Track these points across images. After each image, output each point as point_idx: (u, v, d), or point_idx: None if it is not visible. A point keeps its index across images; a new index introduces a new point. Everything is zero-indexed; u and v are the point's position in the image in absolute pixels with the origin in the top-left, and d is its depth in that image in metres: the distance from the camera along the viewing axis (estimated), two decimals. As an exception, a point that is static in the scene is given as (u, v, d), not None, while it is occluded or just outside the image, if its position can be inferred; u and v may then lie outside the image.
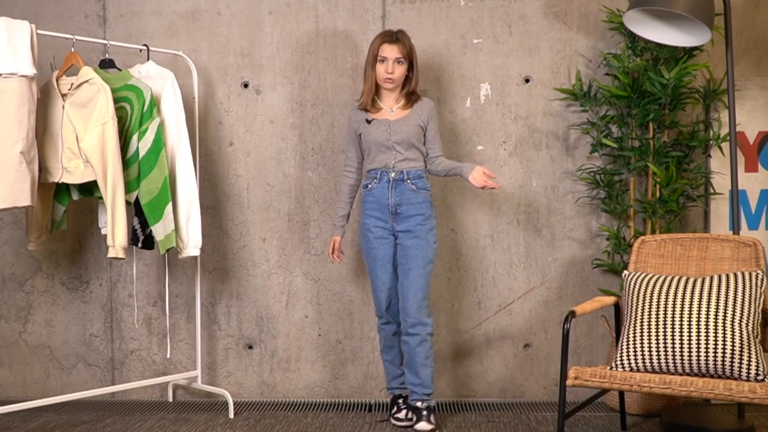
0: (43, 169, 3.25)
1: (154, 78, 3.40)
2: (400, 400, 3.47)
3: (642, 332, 2.83)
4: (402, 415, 3.41)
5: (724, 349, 2.70)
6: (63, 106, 3.22)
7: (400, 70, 3.31)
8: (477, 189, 3.68)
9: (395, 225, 3.33)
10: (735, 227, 3.30)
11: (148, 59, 3.47)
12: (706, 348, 2.71)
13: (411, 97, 3.38)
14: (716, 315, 2.75)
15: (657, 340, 2.79)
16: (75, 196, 3.43)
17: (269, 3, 3.80)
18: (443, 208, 3.75)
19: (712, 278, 2.86)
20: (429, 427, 3.26)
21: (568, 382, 2.74)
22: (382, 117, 3.36)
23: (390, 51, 3.30)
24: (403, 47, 3.30)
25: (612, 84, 3.63)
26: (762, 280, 2.82)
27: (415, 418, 3.32)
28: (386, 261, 3.36)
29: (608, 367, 2.86)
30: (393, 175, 3.31)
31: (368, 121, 3.36)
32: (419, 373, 3.30)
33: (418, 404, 3.32)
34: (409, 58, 3.33)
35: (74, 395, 3.38)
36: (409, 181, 3.31)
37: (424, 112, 3.35)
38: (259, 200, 3.83)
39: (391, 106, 3.38)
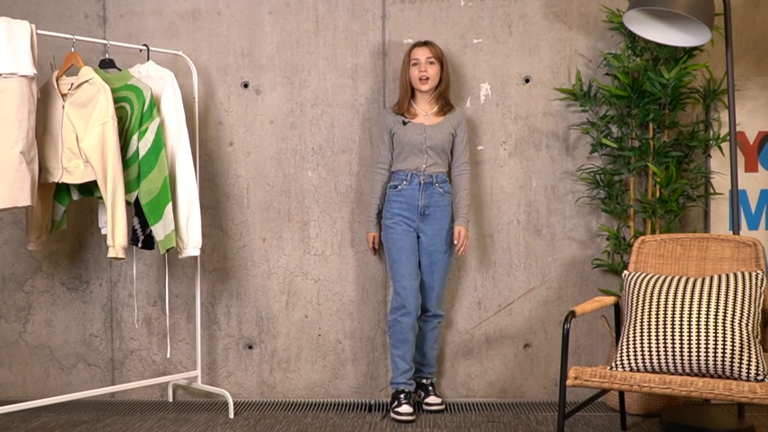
0: (43, 169, 3.25)
1: (154, 78, 3.40)
2: (402, 395, 3.50)
3: (642, 332, 2.83)
4: (402, 409, 3.44)
5: (724, 349, 2.70)
6: (63, 106, 3.22)
7: (433, 70, 3.50)
8: (477, 189, 3.76)
9: (421, 224, 3.52)
10: (735, 227, 3.30)
11: (148, 59, 3.47)
12: (706, 348, 2.71)
13: (445, 105, 3.56)
14: (716, 315, 2.75)
15: (657, 340, 2.79)
16: (75, 196, 3.43)
17: (269, 3, 3.80)
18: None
19: (712, 278, 2.86)
20: (438, 400, 3.62)
21: (568, 382, 2.74)
22: (418, 121, 3.53)
23: (421, 53, 3.50)
24: (434, 48, 3.52)
25: (612, 84, 3.63)
26: (762, 280, 2.82)
27: (423, 394, 3.65)
28: (411, 253, 3.51)
29: (608, 367, 2.86)
30: (423, 178, 3.49)
31: (404, 123, 3.52)
32: (427, 354, 3.65)
33: (425, 381, 3.67)
34: (440, 59, 3.52)
35: (74, 395, 3.38)
36: (437, 185, 3.51)
37: (455, 120, 3.56)
38: (259, 200, 3.83)
39: (426, 111, 3.55)
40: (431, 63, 3.49)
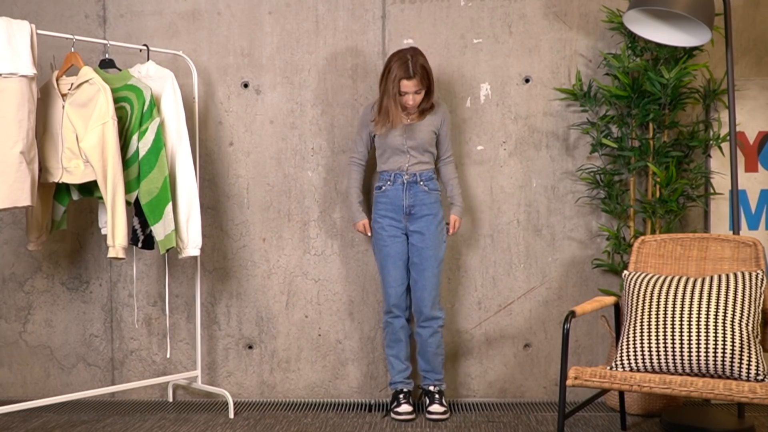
0: (43, 169, 3.25)
1: (154, 78, 3.40)
2: (401, 395, 3.51)
3: (642, 332, 2.83)
4: (402, 409, 3.46)
5: (724, 349, 2.70)
6: (63, 106, 3.22)
7: (420, 97, 3.40)
8: (477, 189, 3.77)
9: (408, 225, 3.48)
10: (735, 227, 3.30)
11: (148, 59, 3.47)
12: (706, 348, 2.71)
13: (428, 107, 3.47)
14: (716, 315, 2.75)
15: (657, 340, 2.79)
16: (75, 196, 3.43)
17: (269, 3, 3.80)
18: (444, 208, 3.75)
19: (712, 278, 2.86)
20: (441, 409, 3.46)
21: (568, 382, 2.74)
22: (398, 121, 3.44)
23: (410, 86, 3.34)
24: (421, 79, 3.34)
25: (612, 84, 3.63)
26: (762, 280, 2.82)
27: (427, 401, 3.52)
28: (398, 258, 3.48)
29: (608, 367, 2.86)
30: (407, 177, 3.46)
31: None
32: (431, 361, 3.52)
33: (431, 388, 3.54)
34: (427, 83, 3.38)
35: (74, 395, 3.38)
36: (422, 183, 3.46)
37: (437, 117, 3.50)
38: (259, 200, 3.83)
39: (408, 114, 3.47)
40: (419, 93, 3.36)
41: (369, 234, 3.56)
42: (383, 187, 3.49)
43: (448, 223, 3.56)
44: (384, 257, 3.49)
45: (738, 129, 3.67)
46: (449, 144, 3.57)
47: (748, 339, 2.71)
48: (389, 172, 3.48)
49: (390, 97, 3.36)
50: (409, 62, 3.32)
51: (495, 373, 3.81)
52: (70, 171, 3.22)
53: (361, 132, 3.55)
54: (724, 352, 2.69)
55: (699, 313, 2.77)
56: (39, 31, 3.13)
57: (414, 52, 3.37)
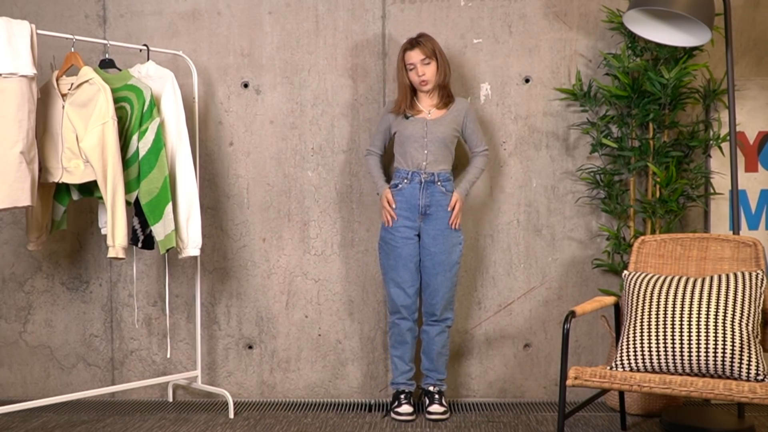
0: (43, 169, 3.25)
1: (154, 78, 3.40)
2: (402, 396, 3.51)
3: (642, 332, 2.83)
4: (402, 409, 3.46)
5: (724, 349, 2.70)
6: (63, 106, 3.22)
7: (430, 70, 3.42)
8: (477, 189, 3.77)
9: (422, 225, 3.45)
10: (735, 227, 3.30)
11: (148, 59, 3.47)
12: (706, 348, 2.72)
13: (446, 96, 3.49)
14: (716, 315, 2.75)
15: (657, 340, 2.79)
16: (75, 196, 3.43)
17: (269, 3, 3.80)
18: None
19: (712, 278, 2.86)
20: (441, 409, 3.46)
21: (568, 382, 2.74)
22: (421, 116, 3.46)
23: (414, 56, 3.41)
24: (424, 47, 3.41)
25: (612, 84, 3.63)
26: (762, 280, 2.82)
27: (427, 401, 3.51)
28: (409, 260, 3.45)
29: (608, 367, 2.86)
30: (424, 176, 3.43)
31: (407, 117, 3.47)
32: (435, 360, 3.52)
33: (431, 388, 3.53)
34: (434, 55, 3.42)
35: (74, 395, 3.38)
36: (439, 183, 3.44)
37: (460, 113, 3.49)
38: (259, 200, 3.83)
39: (428, 107, 3.49)
40: (427, 64, 3.40)
41: (393, 206, 3.44)
42: (399, 185, 3.46)
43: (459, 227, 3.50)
44: (395, 258, 3.45)
45: (738, 129, 3.67)
46: (480, 137, 3.53)
47: (748, 339, 2.71)
48: (406, 171, 3.45)
49: (403, 73, 3.45)
50: (413, 38, 3.47)
51: (495, 373, 3.81)
52: (70, 171, 3.22)
53: (380, 126, 3.56)
54: (724, 352, 2.69)
55: (699, 313, 2.77)
56: (39, 31, 3.13)
57: (417, 34, 3.49)
